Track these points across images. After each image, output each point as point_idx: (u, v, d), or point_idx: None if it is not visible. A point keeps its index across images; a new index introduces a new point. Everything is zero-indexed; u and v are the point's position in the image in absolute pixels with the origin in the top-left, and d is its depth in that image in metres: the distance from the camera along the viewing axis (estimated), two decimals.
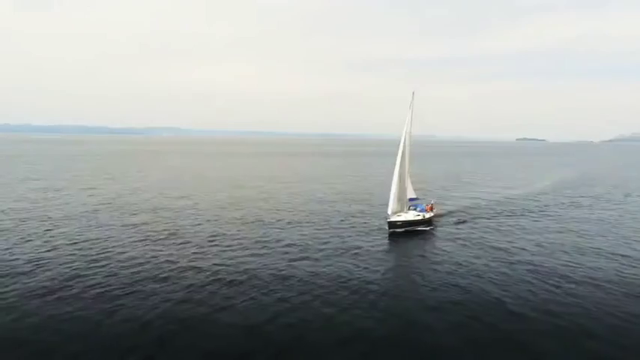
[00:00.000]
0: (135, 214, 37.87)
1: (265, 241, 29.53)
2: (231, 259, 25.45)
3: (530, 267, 24.82)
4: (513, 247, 29.32)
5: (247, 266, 24.12)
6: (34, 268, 22.71)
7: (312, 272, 23.42)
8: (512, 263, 25.56)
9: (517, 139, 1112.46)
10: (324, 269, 23.94)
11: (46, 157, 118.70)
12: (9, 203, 42.01)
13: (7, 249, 26.19)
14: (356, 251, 27.57)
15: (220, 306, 18.72)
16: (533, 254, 27.56)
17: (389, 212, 32.87)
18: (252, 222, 35.91)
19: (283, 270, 23.64)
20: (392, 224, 32.52)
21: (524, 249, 28.79)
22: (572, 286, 21.96)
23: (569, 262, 26.04)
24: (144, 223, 34.23)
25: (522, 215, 41.38)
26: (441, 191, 58.60)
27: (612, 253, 28.04)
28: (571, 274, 23.67)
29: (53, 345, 15.25)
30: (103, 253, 25.83)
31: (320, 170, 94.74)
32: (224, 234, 31.49)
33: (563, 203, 49.58)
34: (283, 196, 51.26)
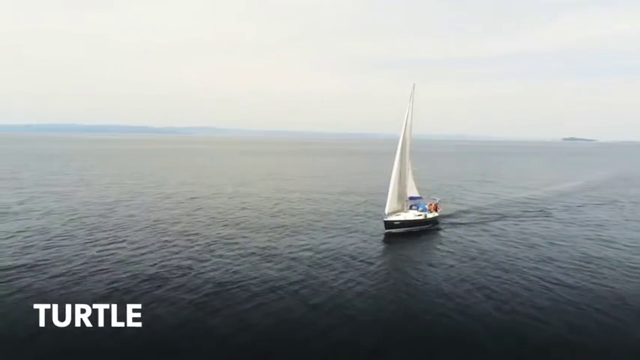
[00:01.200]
0: (148, 211, 38.96)
1: (252, 237, 29.22)
2: (211, 251, 25.36)
3: (530, 275, 22.55)
4: (518, 251, 26.94)
5: (224, 260, 23.86)
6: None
7: (284, 268, 22.93)
8: (511, 269, 23.41)
9: (564, 139, 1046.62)
10: (302, 266, 23.23)
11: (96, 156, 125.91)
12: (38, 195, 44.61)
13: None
14: (343, 250, 26.55)
15: (189, 300, 18.60)
16: (538, 260, 25.14)
17: (386, 211, 31.43)
18: (247, 217, 35.79)
19: (257, 264, 23.24)
20: (389, 224, 30.98)
21: (529, 254, 26.38)
22: (569, 294, 19.87)
23: (574, 269, 23.65)
24: (156, 220, 35.02)
25: (539, 217, 38.38)
26: (458, 190, 55.93)
27: (621, 259, 25.43)
28: (574, 284, 21.38)
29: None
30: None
31: (338, 169, 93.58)
32: (215, 230, 31.51)
33: (587, 204, 45.64)
34: (287, 194, 50.91)
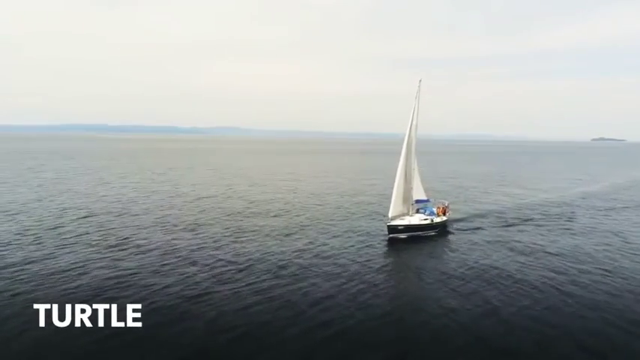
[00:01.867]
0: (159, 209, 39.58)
1: (256, 238, 29.10)
2: (213, 252, 25.34)
3: (537, 283, 21.35)
4: (528, 258, 25.50)
5: (225, 261, 23.79)
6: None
7: (283, 268, 22.69)
8: (518, 277, 22.22)
9: (592, 140, 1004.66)
10: (301, 268, 22.95)
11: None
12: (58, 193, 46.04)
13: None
14: (344, 253, 26.01)
15: (190, 301, 18.68)
16: (547, 267, 23.83)
17: (389, 215, 30.31)
18: (254, 218, 35.71)
19: (258, 264, 23.05)
20: (392, 229, 29.77)
21: (540, 261, 25.01)
22: (577, 302, 18.73)
23: (586, 276, 22.32)
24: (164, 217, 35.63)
25: (556, 222, 36.48)
26: (472, 192, 54.21)
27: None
28: (580, 292, 20.19)
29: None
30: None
31: (349, 169, 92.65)
32: (218, 230, 31.60)
33: (614, 208, 43.24)
34: (297, 194, 50.67)
